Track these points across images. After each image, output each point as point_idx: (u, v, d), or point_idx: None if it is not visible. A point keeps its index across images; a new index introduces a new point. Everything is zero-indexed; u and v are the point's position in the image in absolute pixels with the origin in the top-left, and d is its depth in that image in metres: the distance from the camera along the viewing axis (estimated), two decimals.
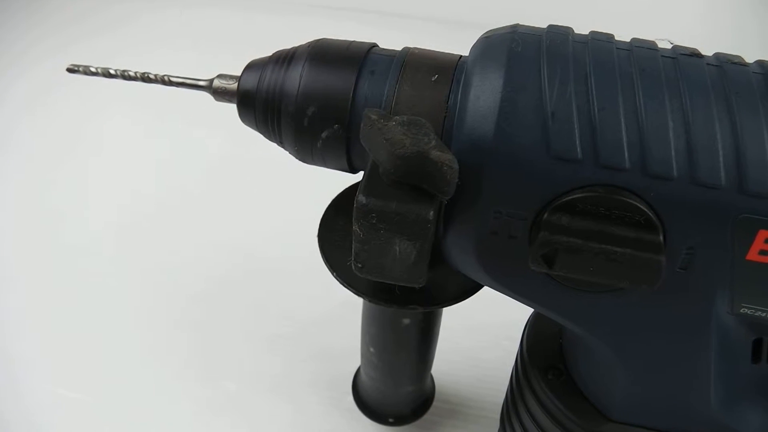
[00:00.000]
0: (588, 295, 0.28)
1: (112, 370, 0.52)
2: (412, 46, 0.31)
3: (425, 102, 0.28)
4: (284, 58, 0.31)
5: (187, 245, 0.62)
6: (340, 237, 0.35)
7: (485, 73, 0.26)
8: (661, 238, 0.25)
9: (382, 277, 0.27)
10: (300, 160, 0.32)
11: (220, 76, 0.32)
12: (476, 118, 0.26)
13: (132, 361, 0.52)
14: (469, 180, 0.26)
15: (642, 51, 0.27)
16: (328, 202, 0.37)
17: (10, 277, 0.59)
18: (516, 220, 0.26)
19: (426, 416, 0.46)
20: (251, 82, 0.31)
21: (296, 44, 0.32)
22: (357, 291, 0.33)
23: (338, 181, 0.37)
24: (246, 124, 0.33)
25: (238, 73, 0.32)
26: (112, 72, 0.34)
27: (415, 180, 0.24)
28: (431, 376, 0.47)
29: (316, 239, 0.35)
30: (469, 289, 0.34)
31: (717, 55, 0.27)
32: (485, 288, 0.34)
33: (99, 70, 0.34)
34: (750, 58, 0.28)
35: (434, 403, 0.47)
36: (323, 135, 0.29)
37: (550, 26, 0.28)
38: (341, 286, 0.33)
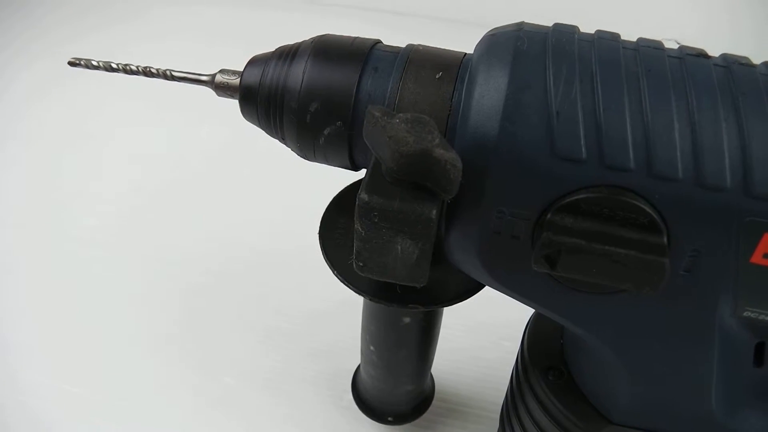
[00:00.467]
0: (590, 297, 0.28)
1: (111, 364, 0.52)
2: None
3: (429, 99, 0.28)
4: (287, 54, 0.31)
5: (187, 239, 0.62)
6: (341, 235, 0.35)
7: (490, 71, 0.26)
8: (665, 240, 0.25)
9: (383, 276, 0.27)
10: (302, 156, 0.32)
11: (222, 72, 0.32)
12: (480, 117, 0.26)
13: (131, 355, 0.52)
14: (472, 179, 0.26)
15: (648, 51, 0.27)
16: (329, 197, 0.37)
17: (11, 270, 0.59)
18: (519, 220, 0.26)
19: (425, 415, 0.46)
20: (254, 77, 0.31)
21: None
22: (358, 290, 0.33)
23: (339, 176, 0.37)
24: (248, 120, 0.32)
25: (241, 69, 0.32)
26: (113, 66, 0.34)
27: (418, 178, 0.24)
28: (431, 375, 0.47)
29: (316, 236, 0.35)
30: (471, 289, 0.33)
31: (724, 56, 0.27)
32: (486, 288, 0.34)
33: (101, 64, 0.34)
34: (757, 60, 0.27)
35: (434, 403, 0.47)
36: (325, 132, 0.29)
37: (556, 25, 0.28)
38: (341, 283, 0.33)
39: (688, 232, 0.25)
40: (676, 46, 0.28)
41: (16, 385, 0.50)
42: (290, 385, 0.51)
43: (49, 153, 0.73)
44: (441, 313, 0.39)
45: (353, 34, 0.32)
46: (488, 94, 0.26)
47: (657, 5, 0.85)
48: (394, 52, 0.30)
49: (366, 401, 0.46)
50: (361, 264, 0.27)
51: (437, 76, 0.28)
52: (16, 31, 0.92)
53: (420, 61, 0.29)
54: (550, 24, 0.28)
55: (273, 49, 0.32)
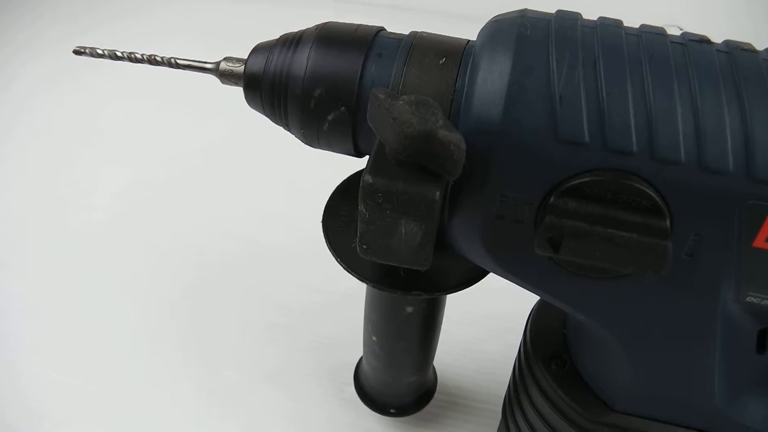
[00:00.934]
0: (593, 282, 0.28)
1: (112, 357, 0.52)
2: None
3: (432, 85, 0.28)
4: (291, 41, 0.31)
5: (188, 233, 0.62)
6: (344, 223, 0.35)
7: (493, 57, 0.26)
8: (668, 223, 0.25)
9: (387, 259, 0.27)
10: (306, 143, 0.32)
11: (226, 59, 0.32)
12: (484, 101, 0.26)
13: (132, 348, 0.52)
14: (475, 164, 0.26)
15: (651, 37, 0.27)
16: (331, 190, 0.37)
17: (11, 262, 0.59)
18: (522, 204, 0.26)
19: (427, 408, 0.46)
20: (258, 64, 0.31)
21: None
22: (361, 276, 0.33)
23: (340, 170, 0.37)
24: (252, 107, 0.33)
25: (245, 57, 0.32)
26: (118, 54, 0.34)
27: (422, 160, 0.24)
28: (433, 368, 0.47)
29: (318, 228, 0.35)
30: (474, 277, 0.33)
31: (727, 42, 0.27)
32: (487, 280, 0.34)
33: (106, 53, 0.34)
34: (760, 46, 0.27)
35: (436, 395, 0.47)
36: (329, 118, 0.29)
37: (559, 11, 0.28)
38: (343, 276, 0.33)
39: (690, 215, 0.25)
40: (678, 33, 0.28)
41: (16, 379, 0.50)
42: (292, 377, 0.51)
43: (51, 146, 0.73)
44: (443, 303, 0.39)
45: None
46: (491, 79, 0.26)
47: None
48: (398, 38, 0.30)
49: (368, 393, 0.46)
50: (364, 247, 0.27)
51: (441, 62, 0.28)
52: (26, 23, 0.93)
53: (423, 48, 0.29)
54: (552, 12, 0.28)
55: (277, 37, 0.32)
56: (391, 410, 0.45)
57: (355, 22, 0.31)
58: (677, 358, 0.30)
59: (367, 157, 0.32)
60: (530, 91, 0.25)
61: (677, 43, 0.27)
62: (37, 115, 0.78)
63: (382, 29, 0.31)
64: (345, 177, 0.38)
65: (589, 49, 0.26)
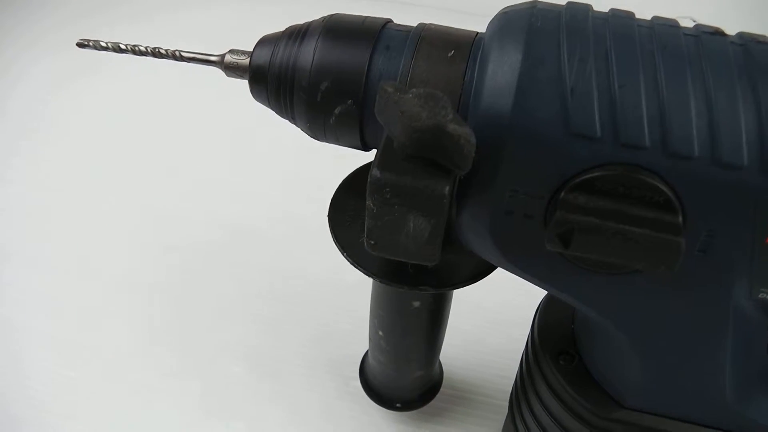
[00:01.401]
0: (604, 278, 0.27)
1: (115, 351, 0.52)
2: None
3: (441, 78, 0.28)
4: (297, 33, 0.30)
5: (193, 225, 0.62)
6: (351, 217, 0.34)
7: (503, 48, 0.26)
8: (681, 219, 0.25)
9: (395, 254, 0.27)
10: (312, 137, 0.32)
11: (231, 51, 0.32)
12: (494, 94, 0.25)
13: (135, 341, 0.52)
14: (485, 158, 0.26)
15: (664, 29, 0.26)
16: (336, 182, 0.37)
17: (16, 254, 0.59)
18: (532, 198, 0.26)
19: (433, 402, 0.46)
20: (264, 57, 0.31)
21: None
22: (368, 271, 0.32)
23: (344, 163, 0.37)
24: (257, 100, 0.32)
25: (250, 49, 0.32)
26: (122, 47, 0.34)
27: (430, 154, 0.24)
28: (439, 362, 0.46)
29: (324, 222, 0.34)
30: (482, 271, 0.33)
31: (741, 34, 0.27)
32: (494, 275, 0.33)
33: (109, 45, 0.34)
34: None
35: (442, 390, 0.46)
36: (336, 111, 0.29)
37: (570, 3, 0.28)
38: (349, 269, 0.33)
39: (703, 211, 0.25)
40: (692, 25, 0.27)
41: (20, 371, 0.50)
42: (298, 371, 0.50)
43: (52, 141, 0.73)
44: (450, 298, 0.39)
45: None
46: (502, 71, 0.25)
47: None
48: (406, 30, 0.30)
49: (373, 387, 0.45)
50: (372, 242, 0.26)
51: (449, 55, 0.28)
52: (32, 20, 0.92)
53: (432, 40, 0.29)
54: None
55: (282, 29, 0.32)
56: (397, 404, 0.45)
57: (364, 12, 0.31)
58: (688, 354, 0.29)
59: (374, 150, 0.31)
60: (541, 84, 0.25)
61: (690, 35, 0.26)
62: (41, 112, 0.78)
63: (389, 21, 0.31)
64: (349, 169, 0.37)
65: (600, 41, 0.25)
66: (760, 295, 0.27)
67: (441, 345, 0.43)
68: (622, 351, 0.31)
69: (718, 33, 0.27)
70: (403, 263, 0.32)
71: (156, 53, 0.33)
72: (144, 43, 0.34)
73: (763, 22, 0.80)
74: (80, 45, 0.35)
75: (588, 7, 0.28)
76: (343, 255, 0.33)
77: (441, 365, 0.47)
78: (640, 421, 0.32)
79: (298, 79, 0.29)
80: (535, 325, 0.37)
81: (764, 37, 0.27)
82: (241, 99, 0.36)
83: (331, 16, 0.31)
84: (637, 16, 0.27)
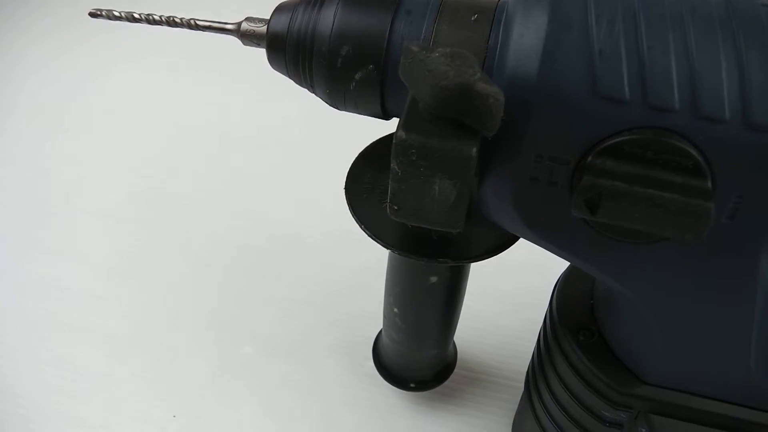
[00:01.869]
0: (629, 247, 0.27)
1: (132, 333, 0.51)
2: None
3: (464, 42, 0.27)
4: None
5: (208, 213, 0.62)
6: (368, 190, 0.34)
7: (529, 11, 0.25)
8: (710, 184, 0.24)
9: (418, 220, 0.26)
10: (331, 105, 0.31)
11: (248, 19, 0.31)
12: (519, 57, 0.25)
13: (151, 323, 0.52)
14: (510, 122, 0.25)
15: None
16: (346, 169, 0.36)
17: (22, 244, 0.59)
18: (558, 164, 0.25)
19: (447, 383, 0.46)
20: (282, 24, 0.30)
21: None
22: (386, 244, 0.32)
23: (360, 146, 0.36)
24: (275, 69, 0.32)
25: (266, 17, 0.31)
26: (136, 16, 0.33)
27: (457, 114, 0.23)
28: (453, 342, 0.46)
29: (336, 206, 0.34)
30: (501, 245, 0.33)
31: None
32: (509, 255, 0.33)
33: (123, 15, 0.33)
34: None
35: (456, 370, 0.46)
36: (357, 77, 0.28)
37: None
38: (360, 250, 0.33)
39: (733, 176, 0.24)
40: None
41: (33, 359, 0.50)
42: (310, 353, 0.50)
43: (54, 131, 0.73)
44: (467, 274, 0.39)
45: None
46: (528, 34, 0.25)
47: None
48: None
49: (387, 367, 0.45)
50: (395, 207, 0.26)
51: (473, 18, 0.27)
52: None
53: (454, 4, 0.28)
54: None
55: None
56: (411, 384, 0.45)
57: None
58: (713, 327, 0.29)
59: (394, 119, 0.31)
60: (568, 45, 0.24)
61: None
62: (39, 96, 0.77)
63: None
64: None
65: (628, 3, 0.25)
66: None
67: (456, 324, 0.42)
68: (644, 324, 0.30)
69: None
70: (421, 235, 0.31)
71: (171, 22, 0.33)
72: (158, 12, 0.33)
73: None
74: (93, 15, 0.34)
75: None
76: (360, 227, 0.32)
77: (455, 345, 0.47)
78: (661, 397, 0.32)
79: (317, 45, 0.29)
80: (554, 302, 0.36)
81: None
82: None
83: None
84: None
